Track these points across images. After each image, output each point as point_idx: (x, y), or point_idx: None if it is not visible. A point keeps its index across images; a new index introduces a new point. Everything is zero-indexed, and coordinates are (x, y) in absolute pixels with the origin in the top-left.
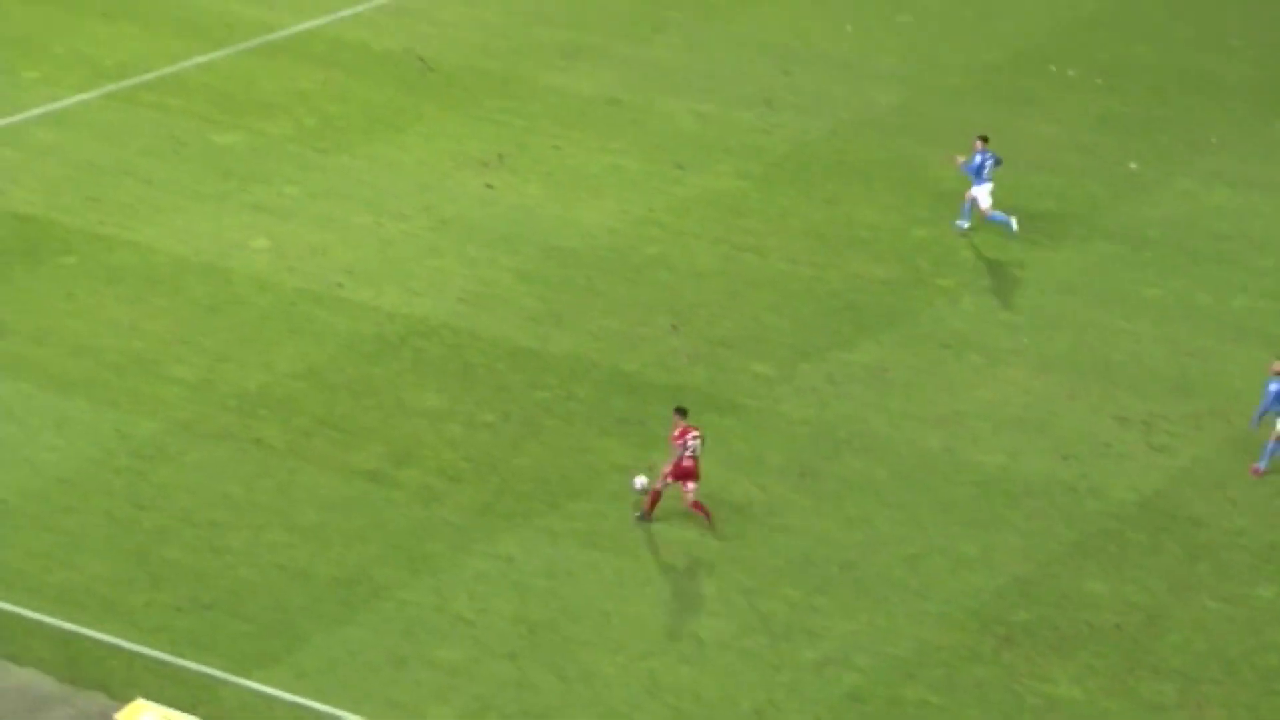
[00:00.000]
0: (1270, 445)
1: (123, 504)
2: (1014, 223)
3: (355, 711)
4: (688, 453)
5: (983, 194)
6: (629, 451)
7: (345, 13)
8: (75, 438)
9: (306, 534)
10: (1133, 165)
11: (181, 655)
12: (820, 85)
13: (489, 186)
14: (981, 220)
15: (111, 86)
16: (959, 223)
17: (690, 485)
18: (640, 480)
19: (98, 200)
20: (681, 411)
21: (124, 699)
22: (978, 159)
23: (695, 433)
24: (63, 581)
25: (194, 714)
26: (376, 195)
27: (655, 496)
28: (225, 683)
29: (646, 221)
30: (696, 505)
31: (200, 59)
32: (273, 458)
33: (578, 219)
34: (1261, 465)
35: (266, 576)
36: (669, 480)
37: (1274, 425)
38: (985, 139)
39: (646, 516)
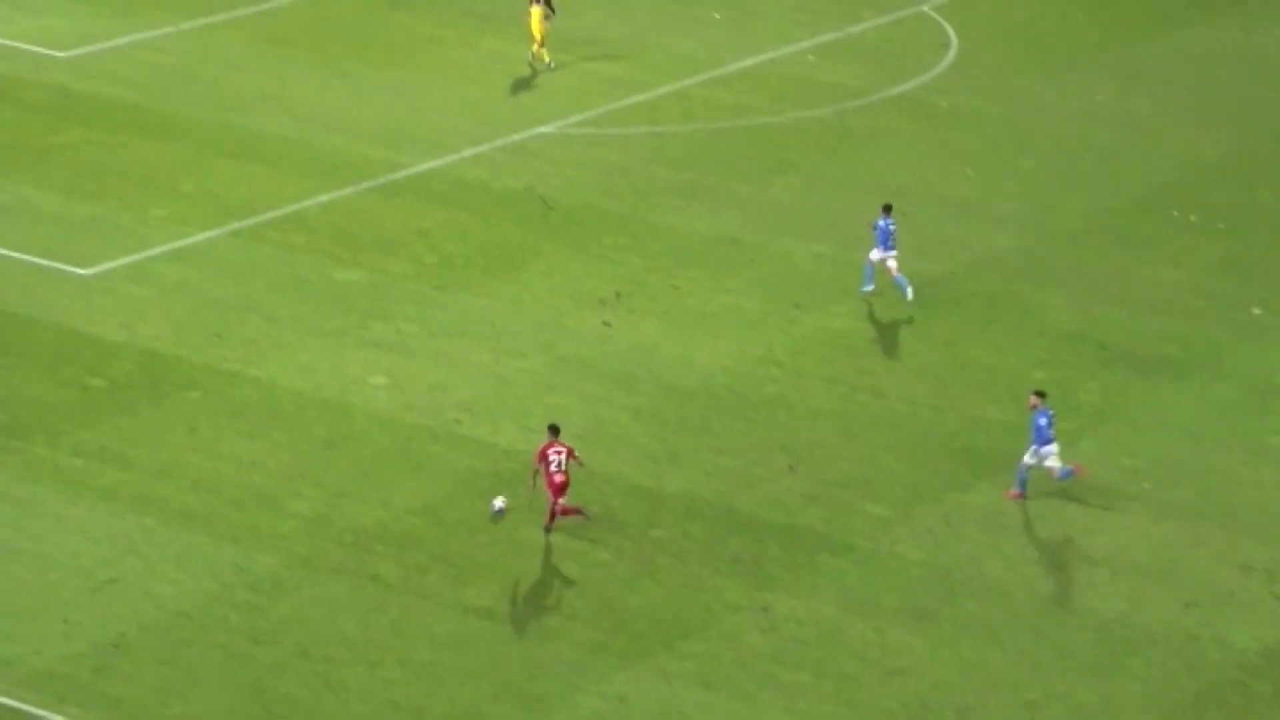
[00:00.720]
0: (1021, 469)
1: (240, 638)
2: (909, 291)
3: None
4: (552, 467)
5: (889, 259)
6: (744, 591)
7: (467, 152)
8: (194, 571)
9: (420, 671)
10: (1255, 310)
11: None
12: (939, 227)
13: (606, 325)
14: (889, 283)
15: (237, 224)
16: (864, 287)
17: (560, 502)
18: (498, 503)
19: (222, 336)
20: (553, 430)
21: None
22: (881, 225)
23: (559, 448)
24: (180, 715)
25: None
26: (494, 333)
27: (553, 514)
28: None
29: (764, 361)
30: (564, 511)
31: (324, 197)
32: (388, 594)
33: (695, 358)
34: (1018, 490)
35: (381, 713)
36: (549, 495)
37: (1036, 454)
38: (888, 207)
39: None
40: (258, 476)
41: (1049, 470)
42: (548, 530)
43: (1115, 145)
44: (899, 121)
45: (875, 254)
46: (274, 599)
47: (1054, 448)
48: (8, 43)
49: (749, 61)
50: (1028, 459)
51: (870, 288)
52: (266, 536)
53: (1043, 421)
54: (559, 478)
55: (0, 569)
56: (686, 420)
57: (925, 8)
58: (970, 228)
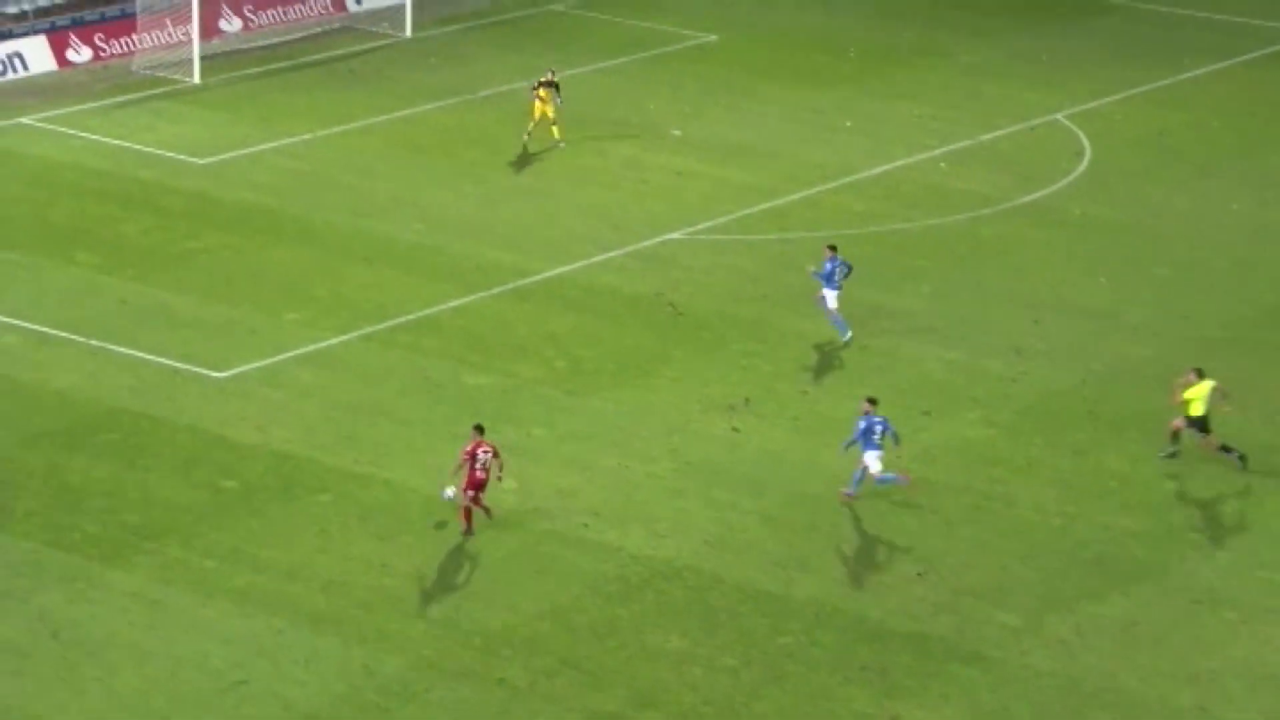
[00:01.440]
0: (858, 474)
1: None
2: (848, 334)
3: None
4: (478, 465)
5: (831, 297)
6: (872, 700)
7: (597, 258)
8: (324, 674)
9: None
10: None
11: None
12: (1071, 335)
13: (735, 430)
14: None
15: (369, 328)
16: (844, 336)
17: (479, 495)
18: (449, 491)
19: (353, 439)
20: (478, 429)
21: None
22: (828, 266)
23: (486, 447)
24: None
25: None
26: (623, 437)
27: (466, 512)
28: None
29: (892, 468)
30: (479, 505)
31: (455, 302)
32: (515, 698)
33: (824, 464)
34: (851, 490)
35: None
36: (466, 492)
37: (861, 458)
38: (834, 248)
39: (468, 531)
40: (387, 579)
41: (869, 475)
42: (467, 533)
43: (1250, 255)
44: (1031, 229)
45: (829, 298)
46: (402, 702)
47: (878, 454)
48: (149, 150)
49: (880, 169)
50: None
51: (849, 335)
52: (395, 639)
53: (863, 425)
54: (480, 474)
55: (132, 670)
56: (815, 527)
57: (1059, 116)
58: (1103, 336)
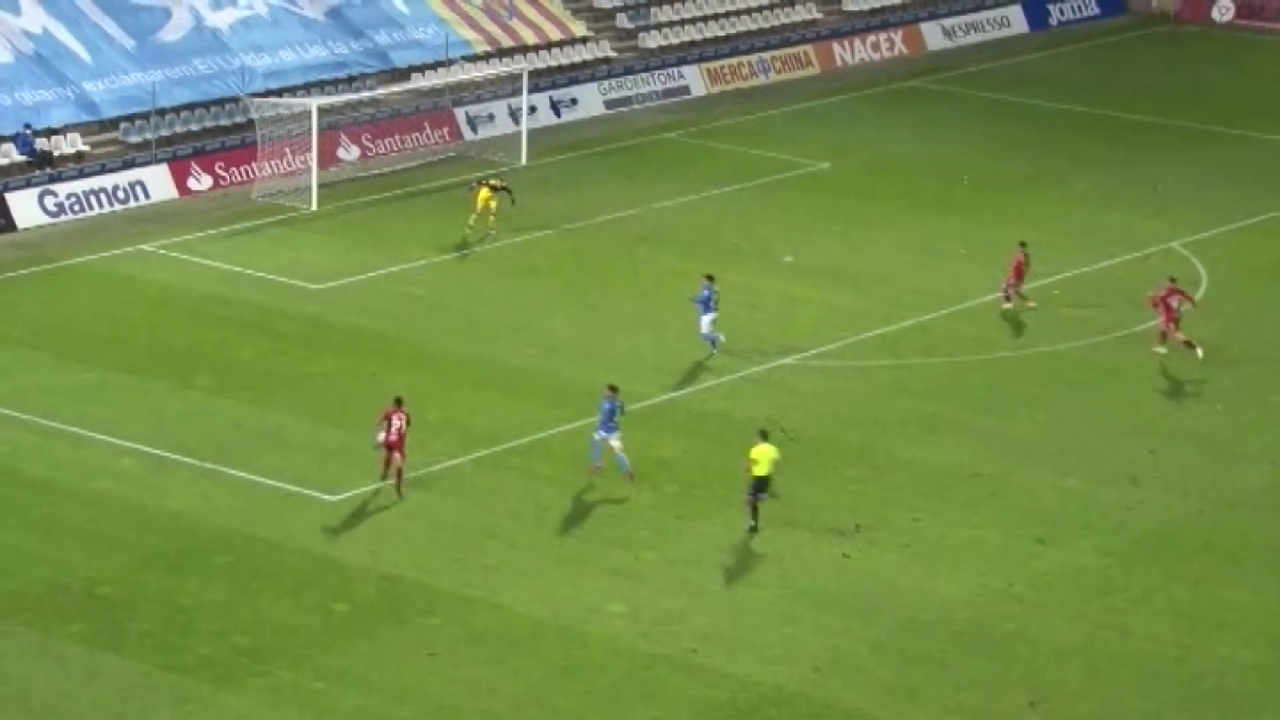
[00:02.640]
0: (594, 445)
1: None
2: (718, 343)
3: None
4: (391, 431)
5: (706, 320)
6: None
7: (708, 383)
8: None
9: None
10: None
11: None
12: (1187, 463)
13: (845, 556)
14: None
15: (481, 452)
16: (712, 350)
17: (396, 455)
18: (379, 435)
19: (463, 562)
20: (398, 401)
21: None
22: (705, 292)
23: (400, 414)
24: None
25: None
26: (732, 562)
27: (385, 462)
28: None
29: (1005, 596)
30: (398, 472)
31: (565, 426)
32: None
33: (935, 591)
34: (595, 461)
35: None
36: (382, 448)
37: (608, 441)
38: (711, 277)
39: (384, 477)
40: (496, 703)
41: (614, 455)
42: (384, 478)
43: None
44: (1146, 357)
45: (704, 322)
46: None
47: (615, 434)
48: (266, 276)
49: (993, 295)
50: (597, 436)
51: (714, 350)
52: None
53: (608, 408)
54: (393, 439)
55: None
56: (926, 654)
57: (1175, 244)
58: (1220, 464)
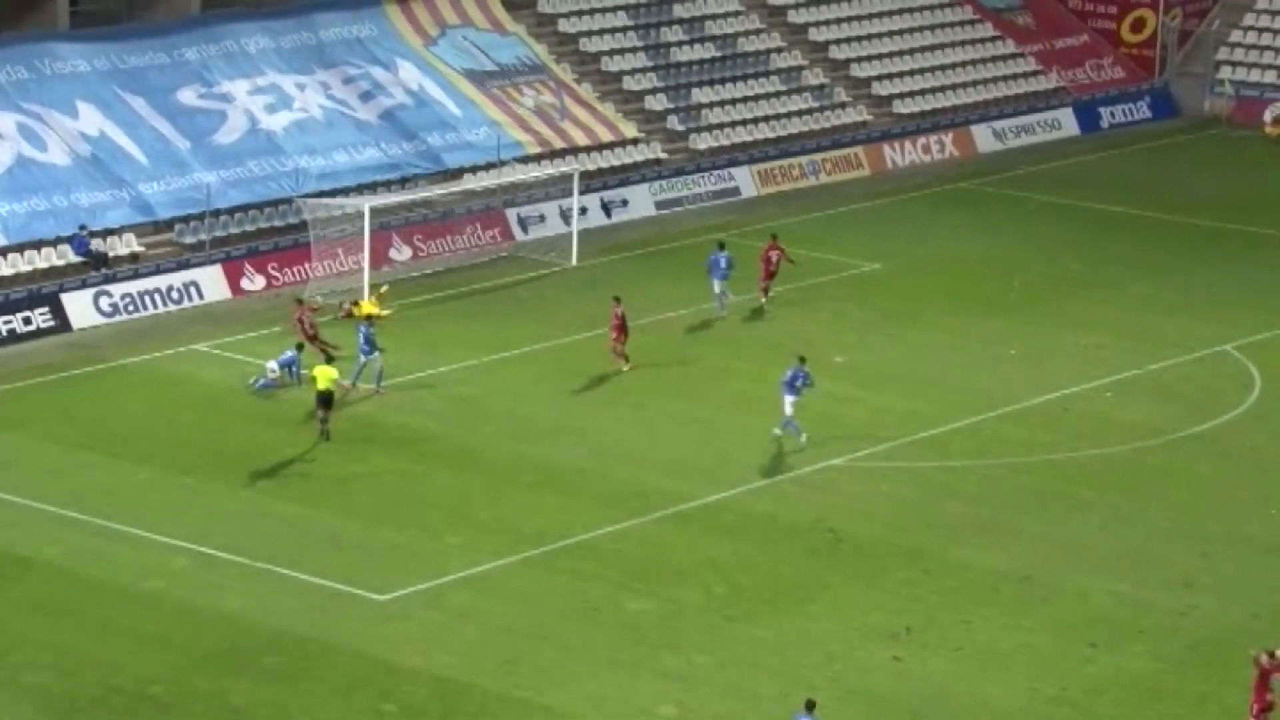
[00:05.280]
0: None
1: None
2: (793, 430)
3: None
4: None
5: (789, 403)
6: None
7: (756, 484)
8: None
9: None
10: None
11: None
12: (1241, 568)
13: (897, 659)
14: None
15: (530, 552)
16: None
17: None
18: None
19: (513, 663)
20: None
21: None
22: (790, 374)
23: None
24: None
25: None
26: (783, 665)
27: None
28: None
29: (1057, 701)
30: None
31: (614, 527)
32: None
33: (986, 695)
34: (348, 382)
35: None
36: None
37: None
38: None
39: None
40: None
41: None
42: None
43: None
44: (1199, 461)
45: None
46: None
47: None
48: None
49: (1044, 398)
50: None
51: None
52: None
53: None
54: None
55: None
56: None
57: (1228, 347)
58: (1274, 569)
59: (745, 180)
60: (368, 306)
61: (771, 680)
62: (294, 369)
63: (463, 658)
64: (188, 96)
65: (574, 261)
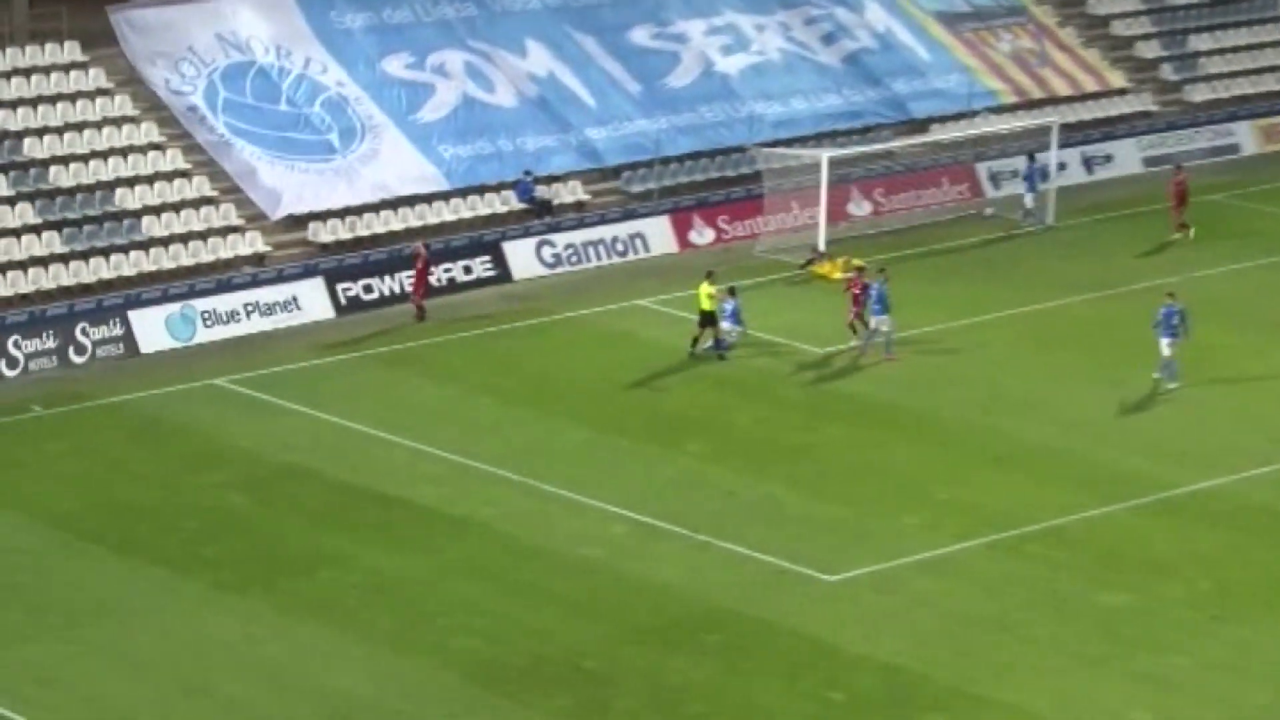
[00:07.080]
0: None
1: None
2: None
3: None
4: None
5: (1165, 344)
6: None
7: (1254, 471)
8: None
9: None
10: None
11: None
12: None
13: None
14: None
15: (994, 536)
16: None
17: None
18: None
19: (970, 655)
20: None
21: None
22: (1163, 311)
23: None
24: None
25: None
26: (1275, 671)
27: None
28: None
29: None
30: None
31: (1089, 513)
32: None
33: None
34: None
35: None
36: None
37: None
38: (1172, 294)
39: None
40: None
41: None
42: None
43: None
44: None
45: (1164, 345)
46: None
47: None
48: (767, 336)
49: None
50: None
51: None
52: None
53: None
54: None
55: None
56: None
57: None
58: None
59: (1245, 136)
60: (832, 269)
61: (1261, 688)
62: (738, 316)
63: (914, 645)
64: (640, 36)
65: (1050, 220)
